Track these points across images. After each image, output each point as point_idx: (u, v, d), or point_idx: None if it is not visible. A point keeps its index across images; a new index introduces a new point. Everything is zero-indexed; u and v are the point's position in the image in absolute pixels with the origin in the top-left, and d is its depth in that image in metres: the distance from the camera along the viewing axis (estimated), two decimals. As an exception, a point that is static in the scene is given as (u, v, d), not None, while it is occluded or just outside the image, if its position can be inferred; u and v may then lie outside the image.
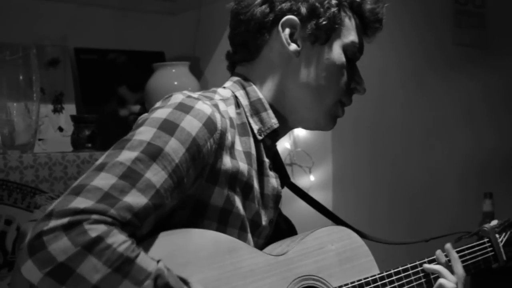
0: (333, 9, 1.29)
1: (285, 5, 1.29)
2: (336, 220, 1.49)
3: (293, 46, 1.29)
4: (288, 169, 2.67)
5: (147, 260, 1.00)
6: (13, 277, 1.23)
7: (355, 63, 1.37)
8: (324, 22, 1.29)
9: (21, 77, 1.96)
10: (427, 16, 3.39)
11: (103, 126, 2.20)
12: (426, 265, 1.42)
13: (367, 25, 1.37)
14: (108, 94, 2.38)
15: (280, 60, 1.31)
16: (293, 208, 2.45)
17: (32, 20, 2.27)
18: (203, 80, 2.56)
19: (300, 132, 2.68)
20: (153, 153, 1.07)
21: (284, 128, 1.35)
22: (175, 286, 1.01)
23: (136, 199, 1.02)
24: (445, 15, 3.49)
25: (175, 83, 2.28)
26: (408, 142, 3.25)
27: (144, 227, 1.05)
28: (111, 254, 0.96)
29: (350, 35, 1.33)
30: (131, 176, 1.03)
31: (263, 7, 1.30)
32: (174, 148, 1.09)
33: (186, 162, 1.10)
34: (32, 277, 0.95)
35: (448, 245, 1.44)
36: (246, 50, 1.33)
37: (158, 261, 1.02)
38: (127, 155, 1.06)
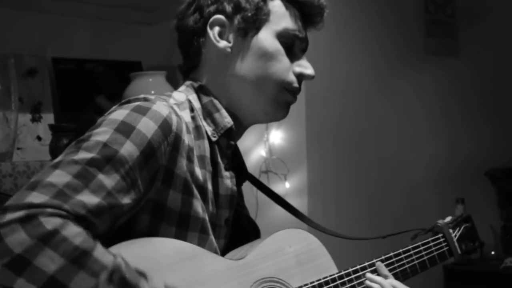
0: (257, 0, 1.33)
1: (212, 8, 1.34)
2: (291, 210, 1.54)
3: (222, 43, 1.33)
4: (264, 176, 2.72)
5: (104, 253, 1.02)
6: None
7: (296, 49, 1.38)
8: (249, 14, 1.32)
9: (-1, 87, 1.98)
10: (400, 26, 3.45)
11: (81, 135, 2.22)
12: (369, 275, 1.42)
13: (306, 11, 1.39)
14: (86, 103, 2.40)
15: (217, 60, 1.35)
16: (271, 212, 2.49)
17: (10, 30, 2.28)
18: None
19: (275, 140, 2.72)
20: (108, 156, 1.09)
21: (240, 126, 1.37)
22: (132, 281, 1.03)
23: (88, 198, 1.05)
24: (417, 24, 3.56)
25: (152, 92, 2.30)
26: (384, 149, 3.30)
27: (99, 225, 1.07)
28: (67, 246, 0.98)
29: (282, 22, 1.35)
30: (84, 176, 1.06)
31: (195, 14, 1.35)
32: (129, 150, 1.12)
33: (139, 164, 1.13)
34: None
35: (378, 263, 1.45)
36: (190, 59, 1.38)
37: (115, 255, 1.04)
38: (83, 155, 1.08)
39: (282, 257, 1.34)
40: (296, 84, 1.37)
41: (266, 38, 1.34)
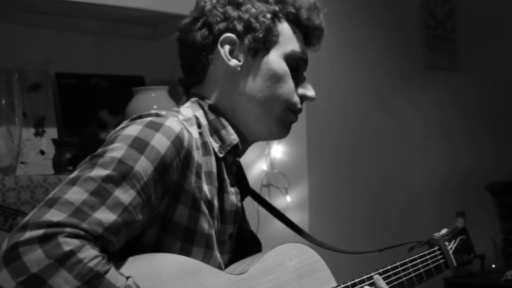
0: (268, 22, 1.36)
1: (222, 25, 1.36)
2: (291, 225, 1.56)
3: (233, 62, 1.35)
4: (265, 190, 2.74)
5: (116, 276, 1.04)
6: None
7: (300, 71, 1.42)
8: (260, 35, 1.35)
9: (3, 102, 1.99)
10: (401, 41, 3.48)
11: (84, 149, 2.22)
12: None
13: (308, 34, 1.43)
14: (89, 118, 2.41)
15: (225, 77, 1.37)
16: (272, 226, 2.50)
17: (14, 46, 2.30)
18: (182, 104, 2.60)
19: (276, 154, 2.74)
20: (123, 172, 1.11)
21: (245, 143, 1.40)
22: None
23: (105, 215, 1.06)
24: (417, 39, 3.58)
25: (155, 107, 2.31)
26: (384, 163, 3.32)
27: (116, 242, 1.09)
28: (81, 268, 1.00)
29: (290, 45, 1.39)
30: (101, 193, 1.08)
31: (203, 30, 1.37)
32: (144, 166, 1.13)
33: (153, 180, 1.14)
34: (6, 285, 0.99)
35: (376, 277, 1.47)
36: (194, 74, 1.40)
37: (128, 277, 1.06)
38: (98, 172, 1.10)
39: (282, 271, 1.35)
40: (299, 105, 1.41)
41: (275, 59, 1.37)
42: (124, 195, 1.10)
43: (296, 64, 1.40)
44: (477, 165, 3.78)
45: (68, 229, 1.02)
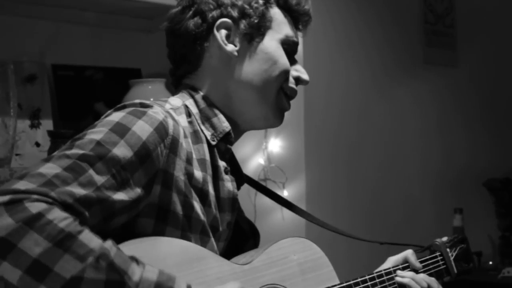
0: (261, 8, 1.37)
1: (216, 13, 1.36)
2: (291, 207, 1.57)
3: (230, 46, 1.36)
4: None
5: (91, 238, 1.01)
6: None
7: (293, 56, 1.43)
8: (255, 21, 1.36)
9: (-2, 93, 1.99)
10: (401, 36, 3.47)
11: (79, 141, 2.21)
12: (399, 272, 1.48)
13: (297, 19, 1.44)
14: (85, 110, 2.40)
15: (221, 64, 1.37)
16: (269, 220, 2.50)
17: (10, 37, 2.29)
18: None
19: (274, 148, 2.73)
20: (100, 154, 1.10)
21: (237, 131, 1.40)
22: (121, 266, 1.01)
23: (77, 189, 1.04)
24: (417, 34, 3.57)
25: (151, 99, 2.29)
26: (382, 158, 3.31)
27: (90, 217, 1.06)
28: (51, 229, 0.97)
29: (283, 30, 1.40)
30: (75, 170, 1.06)
31: (195, 19, 1.37)
32: (122, 150, 1.12)
33: (132, 165, 1.13)
34: None
35: (408, 254, 1.52)
36: (187, 63, 1.39)
37: (104, 240, 1.03)
38: (75, 151, 1.09)
39: (286, 265, 1.36)
40: (295, 86, 1.42)
41: (272, 44, 1.37)
42: (98, 176, 1.08)
43: (291, 50, 1.41)
44: (475, 161, 3.77)
45: (35, 196, 1.00)
